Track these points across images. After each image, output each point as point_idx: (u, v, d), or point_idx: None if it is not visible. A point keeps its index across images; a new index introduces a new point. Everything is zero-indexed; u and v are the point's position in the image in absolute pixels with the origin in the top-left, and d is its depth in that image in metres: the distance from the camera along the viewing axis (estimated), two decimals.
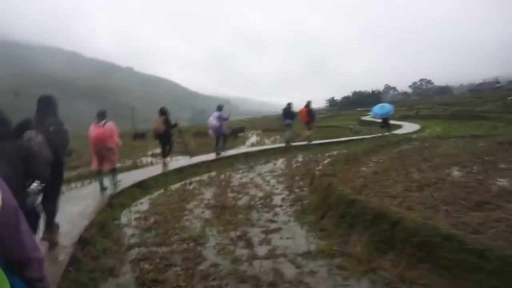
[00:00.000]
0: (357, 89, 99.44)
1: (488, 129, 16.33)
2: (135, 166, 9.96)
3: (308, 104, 13.53)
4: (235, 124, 30.37)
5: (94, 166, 6.53)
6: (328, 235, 4.27)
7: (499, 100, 37.14)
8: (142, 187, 7.01)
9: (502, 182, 5.43)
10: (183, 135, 11.80)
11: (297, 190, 6.63)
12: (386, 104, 17.55)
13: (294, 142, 13.64)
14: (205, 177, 8.22)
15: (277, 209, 5.47)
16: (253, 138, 21.22)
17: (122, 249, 4.06)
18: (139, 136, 23.47)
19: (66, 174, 5.21)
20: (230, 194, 6.45)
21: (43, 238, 3.81)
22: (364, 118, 34.68)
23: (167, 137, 9.27)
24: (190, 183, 7.49)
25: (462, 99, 51.99)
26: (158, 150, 15.85)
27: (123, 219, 5.22)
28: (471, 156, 7.91)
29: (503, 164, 6.84)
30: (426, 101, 66.47)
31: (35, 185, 2.42)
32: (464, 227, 3.57)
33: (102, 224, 4.70)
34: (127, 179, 7.42)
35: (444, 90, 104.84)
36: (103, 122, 6.27)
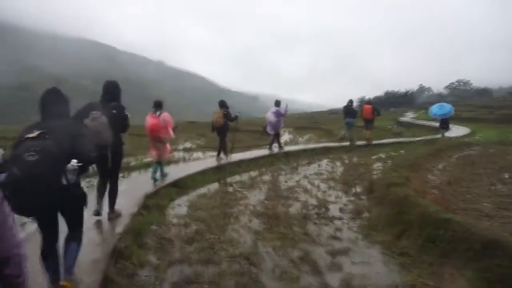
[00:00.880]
0: (389, 89, 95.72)
1: None
2: (167, 162, 9.33)
3: (369, 101, 12.78)
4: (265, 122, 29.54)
5: (151, 155, 6.56)
6: (413, 263, 3.41)
7: None
8: (178, 186, 6.36)
9: None
10: (238, 129, 11.14)
11: (353, 198, 5.76)
12: (446, 104, 16.01)
13: (353, 142, 12.63)
14: (245, 177, 7.47)
15: (338, 222, 4.63)
16: (286, 136, 20.38)
17: (162, 265, 3.37)
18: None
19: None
20: (276, 200, 5.68)
21: (109, 218, 4.18)
22: (402, 118, 32.86)
23: (225, 130, 8.87)
24: (230, 184, 6.77)
25: (505, 102, 48.50)
26: (188, 145, 15.50)
27: (161, 225, 4.55)
28: None
29: None
30: (464, 103, 62.47)
31: (74, 162, 2.36)
32: None
33: (138, 230, 4.04)
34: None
35: (483, 92, 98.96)
36: (158, 112, 6.14)
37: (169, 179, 6.52)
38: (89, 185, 5.91)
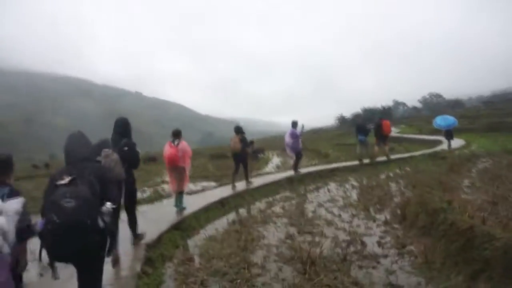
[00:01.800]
0: (366, 105, 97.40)
1: None
2: (159, 196, 8.33)
3: (387, 117, 12.76)
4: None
5: (171, 187, 6.48)
6: None
7: None
8: (181, 229, 5.45)
9: None
10: (251, 156, 11.07)
11: (386, 228, 5.02)
12: (448, 116, 16.47)
13: (365, 159, 12.15)
14: (254, 210, 6.64)
15: (385, 262, 3.85)
16: (276, 159, 19.67)
17: None
18: (151, 159, 22.39)
19: None
20: (300, 237, 4.87)
21: (133, 243, 4.33)
22: None
23: (244, 156, 8.67)
24: (240, 221, 5.90)
25: (480, 112, 49.81)
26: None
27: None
28: None
29: None
30: (439, 115, 64.04)
31: (108, 205, 2.40)
32: None
33: None
34: (156, 216, 5.91)
35: (456, 104, 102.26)
36: (176, 142, 6.08)
37: (170, 220, 5.61)
38: None
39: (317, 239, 4.71)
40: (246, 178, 8.90)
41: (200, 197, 7.65)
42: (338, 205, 6.59)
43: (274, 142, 37.32)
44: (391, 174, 9.55)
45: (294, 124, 10.16)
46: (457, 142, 16.89)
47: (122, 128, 4.30)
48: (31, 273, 3.27)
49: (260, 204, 7.19)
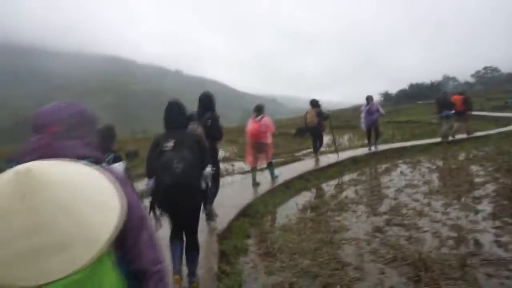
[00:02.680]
0: (413, 81, 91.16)
1: None
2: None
3: (463, 92, 11.53)
4: (290, 122, 27.88)
5: (248, 162, 6.53)
6: None
7: None
8: (249, 215, 4.92)
9: None
10: (333, 129, 10.62)
11: (497, 223, 4.13)
12: None
13: (449, 137, 10.94)
14: (324, 195, 5.98)
15: None
16: (324, 138, 18.72)
17: None
18: None
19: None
20: (390, 230, 4.14)
21: (206, 216, 4.11)
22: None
23: (320, 130, 8.49)
24: (311, 208, 5.26)
25: None
26: (221, 153, 14.04)
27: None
28: None
29: None
30: (496, 90, 57.83)
31: (209, 168, 2.64)
32: None
33: None
34: (220, 198, 5.37)
35: None
36: (259, 117, 6.02)
37: (236, 205, 5.09)
38: None
39: (414, 234, 3.96)
40: (315, 152, 8.73)
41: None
42: (421, 191, 5.72)
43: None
44: (470, 156, 8.41)
45: (369, 98, 9.48)
46: None
47: (206, 102, 4.39)
48: None
49: (328, 187, 6.51)
